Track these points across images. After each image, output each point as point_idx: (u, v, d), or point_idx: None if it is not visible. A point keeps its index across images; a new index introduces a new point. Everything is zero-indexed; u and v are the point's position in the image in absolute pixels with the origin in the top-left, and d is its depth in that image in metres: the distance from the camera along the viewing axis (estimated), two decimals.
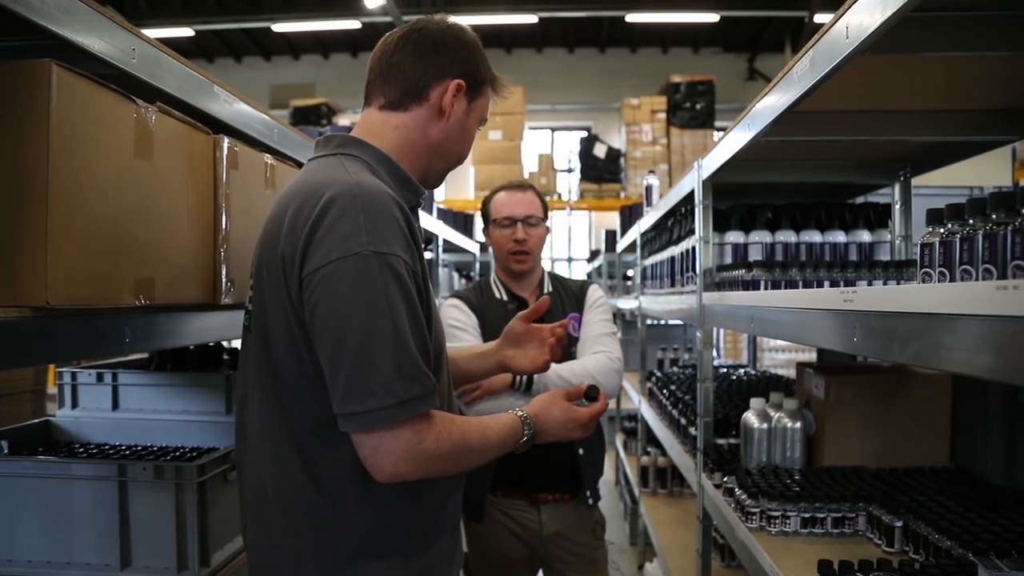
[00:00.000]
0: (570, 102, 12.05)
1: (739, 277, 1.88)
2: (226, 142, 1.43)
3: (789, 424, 1.87)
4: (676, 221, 2.82)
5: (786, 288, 1.71)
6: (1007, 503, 1.47)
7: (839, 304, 1.09)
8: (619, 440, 5.30)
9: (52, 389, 2.87)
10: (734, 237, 2.13)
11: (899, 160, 2.22)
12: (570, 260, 11.16)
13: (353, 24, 10.54)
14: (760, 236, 2.10)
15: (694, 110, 10.05)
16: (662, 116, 10.02)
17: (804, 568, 1.39)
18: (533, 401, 1.37)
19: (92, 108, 1.04)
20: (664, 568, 3.02)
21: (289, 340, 1.12)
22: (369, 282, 1.05)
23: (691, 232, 2.37)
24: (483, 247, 6.28)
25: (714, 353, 4.60)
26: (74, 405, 1.89)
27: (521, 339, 1.60)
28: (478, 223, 6.13)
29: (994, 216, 0.91)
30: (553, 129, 12.48)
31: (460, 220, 6.32)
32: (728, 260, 2.12)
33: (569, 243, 11.05)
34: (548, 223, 2.27)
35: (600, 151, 10.22)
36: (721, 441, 2.23)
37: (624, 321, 5.82)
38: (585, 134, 11.09)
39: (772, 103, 1.46)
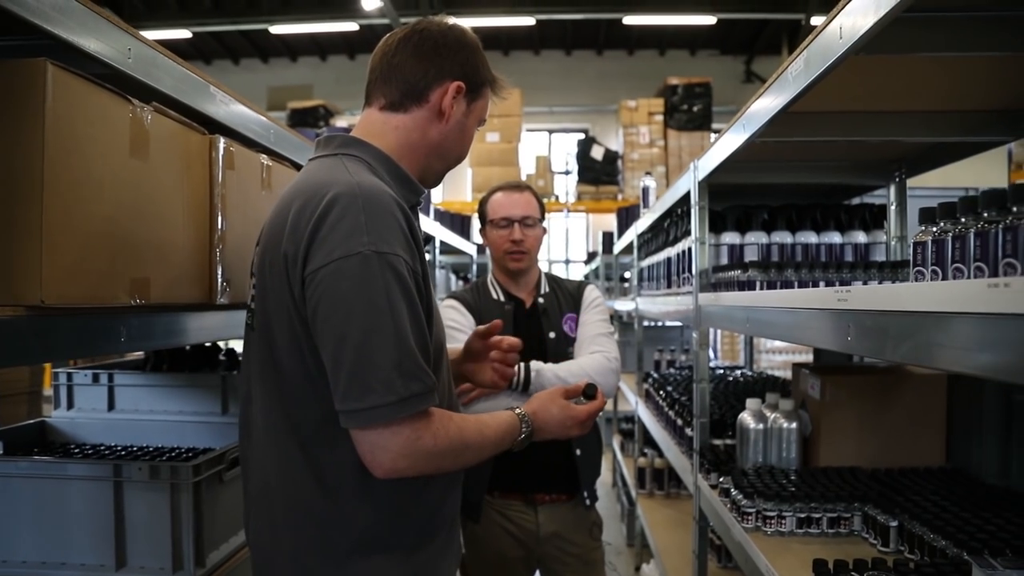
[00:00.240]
0: (567, 104, 12.06)
1: (735, 278, 1.89)
2: (222, 142, 1.43)
3: (785, 424, 1.88)
4: (672, 222, 2.83)
5: (782, 289, 1.71)
6: (1002, 503, 1.47)
7: (833, 304, 1.10)
8: (616, 441, 5.30)
9: (48, 391, 2.86)
10: (730, 238, 2.14)
11: (894, 161, 2.23)
12: (567, 262, 11.16)
13: (350, 26, 10.55)
14: (756, 237, 2.10)
15: (691, 112, 10.06)
16: (659, 118, 10.03)
17: (800, 568, 1.39)
18: (532, 399, 1.39)
19: (88, 107, 1.04)
20: (661, 569, 3.03)
21: (291, 338, 1.13)
22: (370, 281, 1.06)
23: (687, 233, 2.38)
24: (480, 249, 6.29)
25: (711, 354, 4.61)
26: (70, 406, 1.89)
27: (480, 355, 1.61)
28: (475, 225, 6.12)
29: (985, 214, 0.92)
30: (550, 131, 12.49)
31: (457, 222, 6.32)
32: (724, 261, 2.12)
33: (566, 245, 11.06)
34: (545, 224, 2.28)
35: (597, 153, 10.23)
36: (717, 442, 2.23)
37: (621, 323, 5.83)
38: (582, 136, 11.10)
39: (767, 104, 1.47)
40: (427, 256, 1.24)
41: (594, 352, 2.08)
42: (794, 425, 1.87)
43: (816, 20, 8.94)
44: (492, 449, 1.25)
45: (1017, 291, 0.67)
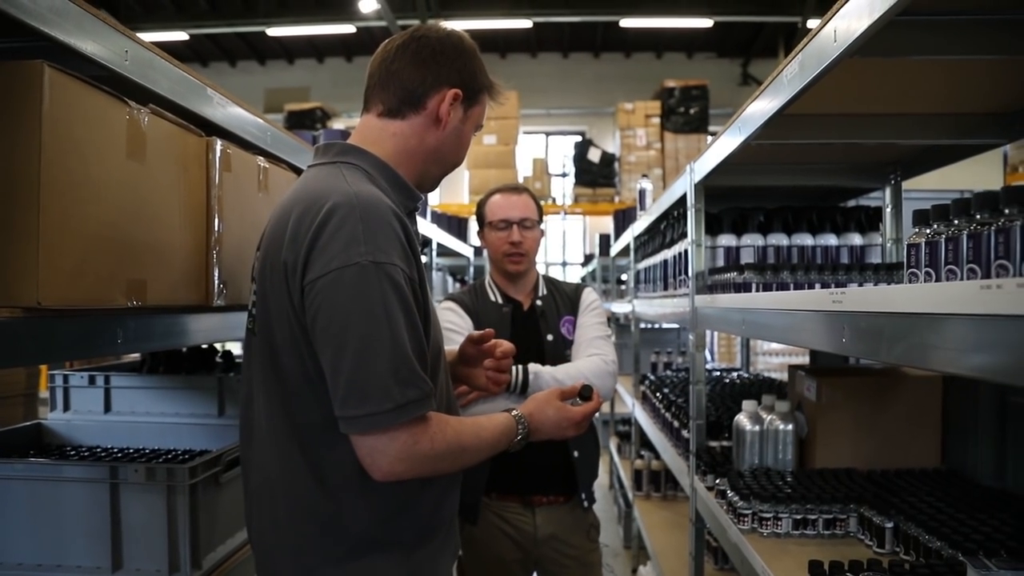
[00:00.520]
0: (565, 107, 12.08)
1: (731, 280, 1.89)
2: (219, 144, 1.43)
3: (781, 426, 1.88)
4: (669, 225, 2.83)
5: (778, 291, 1.72)
6: (997, 504, 1.48)
7: (828, 305, 1.10)
8: (613, 444, 5.30)
9: (44, 393, 2.86)
10: (726, 240, 2.14)
11: (890, 164, 2.24)
12: (564, 264, 11.17)
13: (348, 28, 10.55)
14: (752, 239, 2.11)
15: (688, 115, 10.08)
16: (656, 121, 10.04)
17: (796, 569, 1.39)
18: (528, 400, 1.41)
19: (84, 109, 1.04)
20: (658, 571, 3.03)
21: (292, 343, 1.15)
22: (367, 291, 1.08)
23: (684, 235, 2.38)
24: (477, 251, 6.29)
25: (708, 356, 4.61)
26: (66, 408, 1.88)
27: (475, 360, 1.62)
28: (472, 227, 6.12)
29: (978, 216, 0.92)
30: (548, 133, 12.50)
31: (454, 224, 6.32)
32: (720, 263, 2.13)
33: (563, 247, 11.06)
34: (543, 226, 2.28)
35: (594, 155, 10.24)
36: (714, 444, 2.23)
37: (618, 325, 5.83)
38: (579, 138, 11.11)
39: (763, 106, 1.47)
40: (424, 259, 1.25)
41: (591, 355, 2.09)
42: (790, 427, 1.87)
43: (812, 23, 8.92)
44: (489, 451, 1.26)
45: (1009, 292, 0.67)
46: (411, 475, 1.14)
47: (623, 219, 5.74)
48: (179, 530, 1.39)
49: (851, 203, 2.63)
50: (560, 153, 11.43)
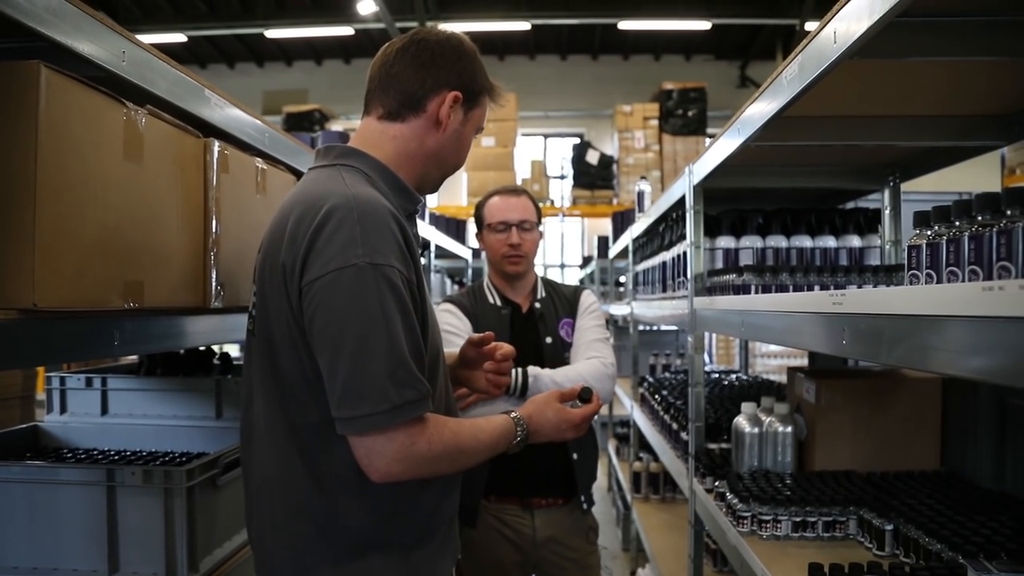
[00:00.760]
0: (563, 109, 12.08)
1: (730, 282, 1.89)
2: (216, 146, 1.42)
3: (780, 428, 1.88)
4: (668, 227, 2.83)
5: (777, 292, 1.72)
6: (997, 506, 1.47)
7: (828, 307, 1.10)
8: (611, 446, 5.29)
9: (41, 395, 2.85)
10: (725, 242, 2.14)
11: (889, 165, 2.24)
12: (563, 266, 11.17)
13: (346, 31, 10.55)
14: (751, 241, 2.10)
15: (686, 117, 10.09)
16: (654, 123, 10.05)
17: (795, 572, 1.39)
18: (528, 402, 1.40)
19: (81, 110, 1.04)
20: (657, 573, 3.02)
21: (290, 344, 1.16)
22: (364, 292, 1.09)
23: (682, 237, 2.38)
24: (476, 253, 6.28)
25: (706, 359, 4.61)
26: (63, 410, 1.88)
27: (475, 363, 1.61)
28: (471, 229, 6.11)
29: (980, 218, 0.92)
30: (546, 136, 12.50)
31: (453, 226, 6.32)
32: (719, 265, 2.12)
33: (562, 249, 11.06)
34: (542, 228, 2.27)
35: (593, 158, 10.24)
36: (713, 446, 2.23)
37: (616, 327, 5.83)
38: (578, 141, 11.12)
39: (762, 108, 1.47)
40: (423, 261, 1.24)
41: (591, 357, 2.08)
42: (789, 429, 1.87)
43: (810, 26, 8.97)
44: (487, 452, 1.26)
45: (1011, 294, 0.67)
46: (409, 476, 1.14)
47: (621, 221, 5.74)
48: (176, 533, 1.38)
49: (850, 205, 2.62)
50: (558, 155, 11.44)
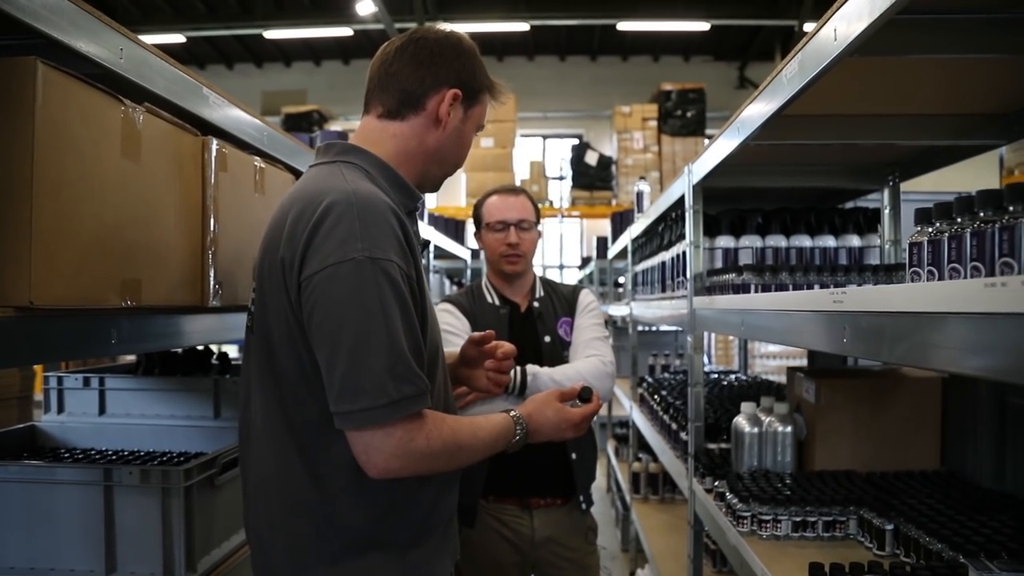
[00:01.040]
0: (562, 110, 12.08)
1: (729, 281, 1.88)
2: (215, 144, 1.42)
3: (780, 428, 1.87)
4: (667, 227, 2.83)
5: (776, 292, 1.71)
6: (997, 505, 1.47)
7: (828, 305, 1.09)
8: (610, 446, 5.29)
9: (39, 395, 2.84)
10: (724, 242, 2.14)
11: (888, 165, 2.24)
12: (562, 267, 11.17)
13: (345, 31, 10.55)
14: (750, 241, 2.10)
15: (685, 118, 10.09)
16: (653, 124, 10.06)
17: (795, 572, 1.39)
18: (527, 401, 1.40)
19: (78, 107, 1.03)
20: (656, 574, 3.01)
21: (289, 341, 1.15)
22: (363, 286, 1.08)
23: (681, 237, 2.37)
24: (474, 253, 6.28)
25: (705, 359, 4.61)
26: (60, 410, 1.87)
27: (475, 362, 1.61)
28: (470, 230, 6.11)
29: (982, 214, 0.91)
30: (545, 136, 12.51)
31: (451, 227, 6.30)
32: (719, 265, 2.12)
33: (561, 250, 11.06)
34: (540, 228, 2.27)
35: (591, 158, 10.24)
36: (712, 446, 2.22)
37: (616, 327, 5.83)
38: (576, 142, 11.12)
39: (761, 107, 1.47)
40: (423, 261, 1.24)
41: (590, 356, 2.08)
42: (789, 429, 1.87)
43: (809, 26, 8.96)
44: (486, 450, 1.26)
45: (1014, 290, 0.66)
46: (407, 473, 1.13)
47: (620, 222, 5.74)
48: (174, 533, 1.38)
49: (849, 205, 2.62)
50: (557, 156, 11.45)
